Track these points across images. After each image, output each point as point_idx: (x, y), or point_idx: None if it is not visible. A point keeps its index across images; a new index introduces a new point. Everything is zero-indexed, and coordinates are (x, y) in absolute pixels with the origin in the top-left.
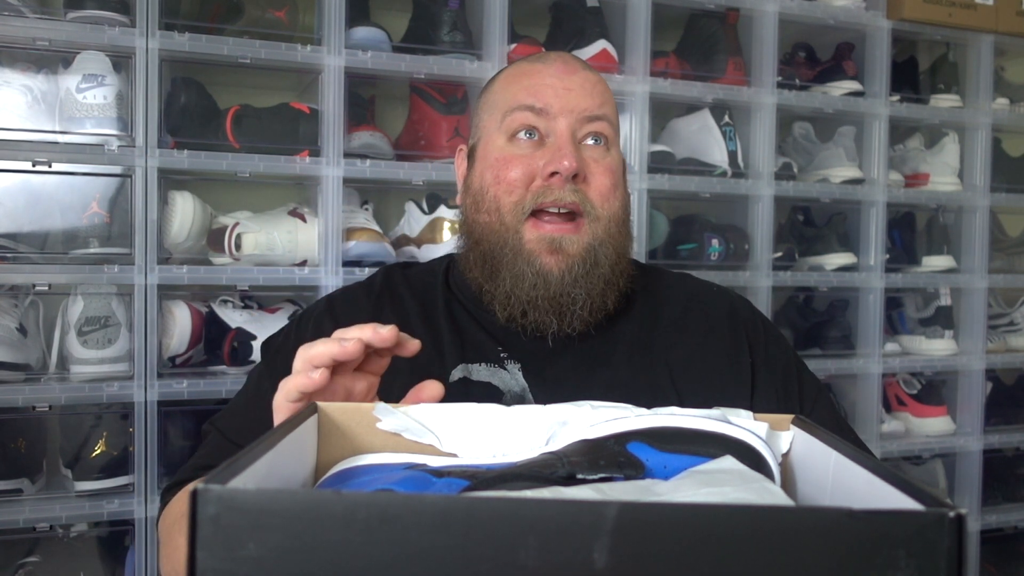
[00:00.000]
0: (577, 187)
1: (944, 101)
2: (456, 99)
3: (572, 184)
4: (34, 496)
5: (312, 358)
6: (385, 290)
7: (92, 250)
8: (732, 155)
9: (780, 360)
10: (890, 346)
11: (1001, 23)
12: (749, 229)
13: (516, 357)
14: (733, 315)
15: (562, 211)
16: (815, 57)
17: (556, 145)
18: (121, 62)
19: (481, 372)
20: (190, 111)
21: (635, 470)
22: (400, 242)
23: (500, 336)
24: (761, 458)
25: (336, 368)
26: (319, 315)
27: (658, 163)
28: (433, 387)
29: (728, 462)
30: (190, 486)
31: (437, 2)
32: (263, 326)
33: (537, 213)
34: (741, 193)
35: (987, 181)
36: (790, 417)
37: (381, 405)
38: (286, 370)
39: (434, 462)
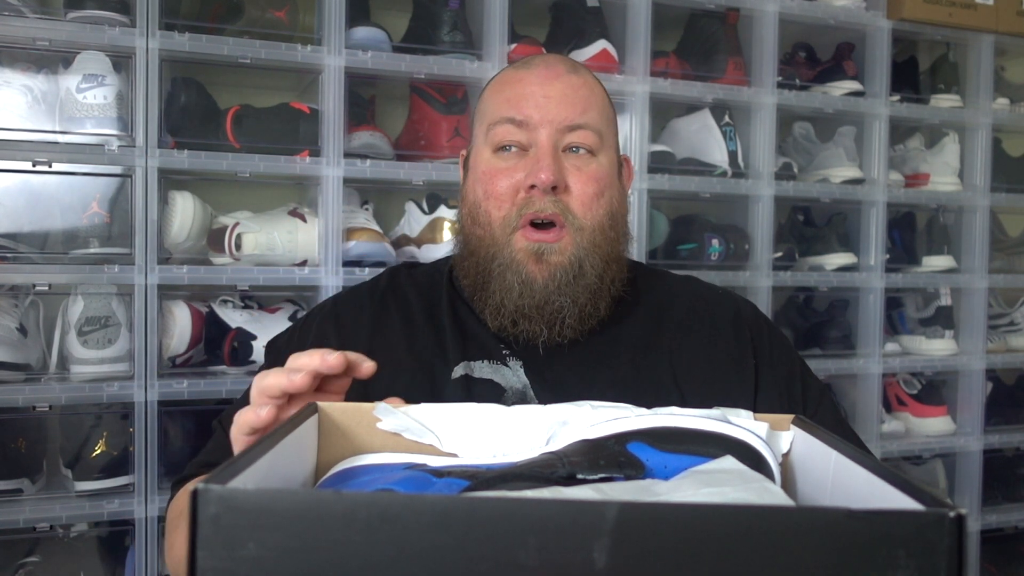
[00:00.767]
0: (558, 198)
1: (944, 101)
2: (456, 99)
3: (552, 195)
4: (34, 496)
5: (264, 389)
6: (389, 290)
7: (92, 250)
8: (732, 155)
9: (784, 363)
10: (890, 346)
11: (1001, 23)
12: (749, 229)
13: (518, 355)
14: (737, 318)
15: (544, 222)
16: (815, 57)
17: (536, 157)
18: (121, 62)
19: (483, 369)
20: (190, 111)
21: (635, 470)
22: (400, 242)
23: (502, 334)
24: (761, 458)
25: (292, 396)
26: (322, 318)
27: (658, 163)
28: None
29: (728, 462)
30: (189, 485)
31: (437, 2)
32: (263, 326)
33: (526, 224)
34: (741, 193)
35: (987, 181)
36: (790, 417)
37: (381, 405)
38: None
39: (434, 462)
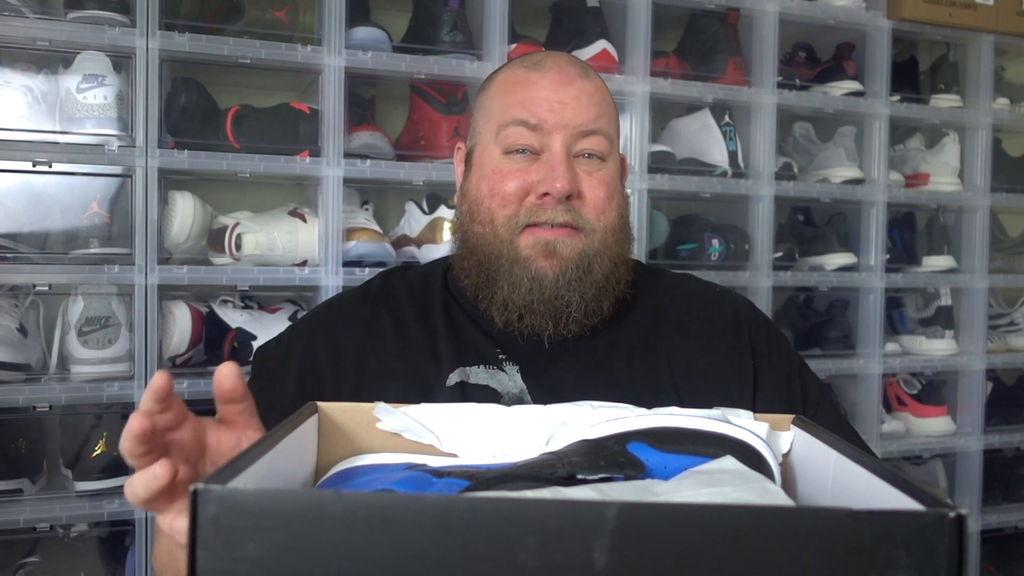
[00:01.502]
0: (571, 206)
1: (944, 101)
2: (456, 99)
3: (565, 204)
4: (34, 496)
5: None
6: (382, 294)
7: (92, 250)
8: (732, 155)
9: (783, 362)
10: (890, 346)
11: (1001, 23)
12: (749, 229)
13: (514, 359)
14: (736, 317)
15: (555, 225)
16: (815, 57)
17: (549, 164)
18: (121, 62)
19: (479, 375)
20: (190, 111)
21: (635, 470)
22: (400, 242)
23: (498, 338)
24: (761, 458)
25: (170, 441)
26: (312, 327)
27: (658, 163)
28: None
29: (728, 462)
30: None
31: (437, 2)
32: (263, 326)
33: (531, 225)
34: (741, 193)
35: (987, 181)
36: (790, 417)
37: (381, 405)
38: (272, 381)
39: (434, 462)
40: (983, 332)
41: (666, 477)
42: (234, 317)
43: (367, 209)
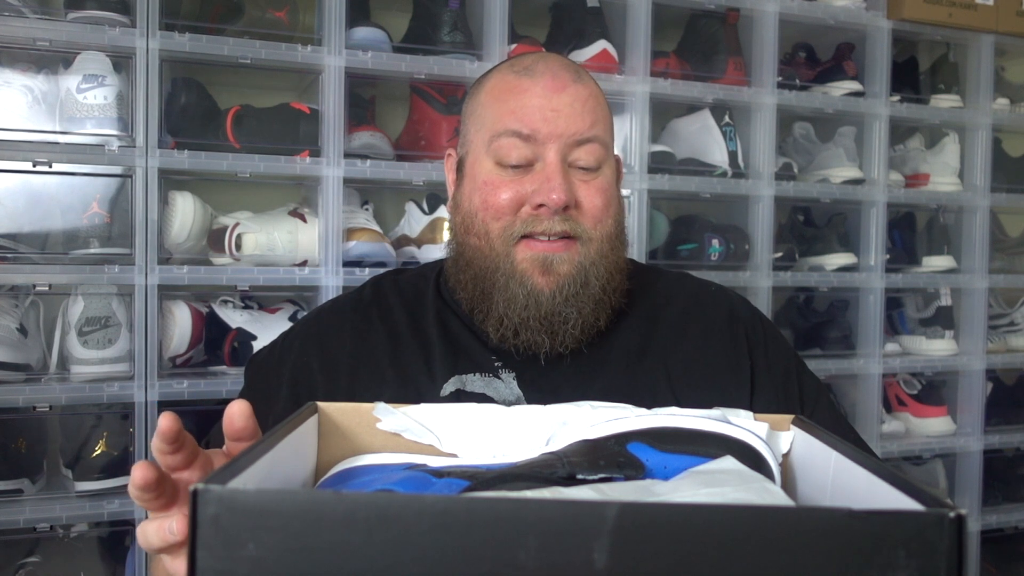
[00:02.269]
0: (568, 215)
1: (944, 101)
2: (456, 99)
3: (562, 214)
4: (34, 496)
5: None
6: (374, 302)
7: (92, 250)
8: (732, 155)
9: (780, 361)
10: (890, 346)
11: (1001, 23)
12: (749, 229)
13: (511, 366)
14: (732, 316)
15: (552, 237)
16: (815, 57)
17: (544, 175)
18: (121, 62)
19: (475, 383)
20: (190, 111)
21: (635, 470)
22: (400, 242)
23: (494, 345)
24: (761, 458)
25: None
26: (303, 338)
27: (658, 163)
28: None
29: (728, 462)
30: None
31: (437, 2)
32: (263, 326)
33: (527, 235)
34: (741, 193)
35: (987, 181)
36: (790, 417)
37: (381, 405)
38: (265, 388)
39: (434, 462)
40: (983, 332)
41: (666, 477)
42: (234, 317)
43: (367, 209)
